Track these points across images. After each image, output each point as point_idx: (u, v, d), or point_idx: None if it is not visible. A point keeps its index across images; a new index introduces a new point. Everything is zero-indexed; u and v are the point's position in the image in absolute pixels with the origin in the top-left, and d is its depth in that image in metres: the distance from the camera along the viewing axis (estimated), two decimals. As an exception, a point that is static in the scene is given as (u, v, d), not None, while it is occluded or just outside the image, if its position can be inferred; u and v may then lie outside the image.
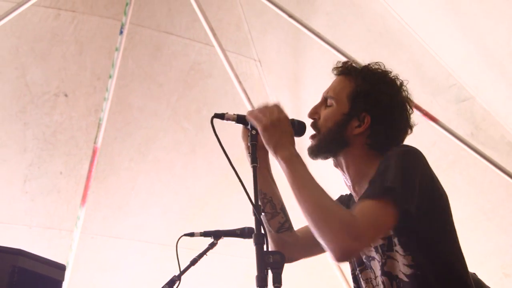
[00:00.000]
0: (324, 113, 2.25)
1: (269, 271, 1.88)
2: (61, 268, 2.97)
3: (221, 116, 2.21)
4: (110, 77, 5.70)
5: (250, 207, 2.00)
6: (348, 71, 2.29)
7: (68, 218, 5.92)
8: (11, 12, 5.05)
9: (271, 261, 1.88)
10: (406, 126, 2.24)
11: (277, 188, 2.36)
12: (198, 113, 6.13)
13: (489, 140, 4.78)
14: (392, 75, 2.27)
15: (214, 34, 5.50)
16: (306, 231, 2.23)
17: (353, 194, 2.28)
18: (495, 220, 5.03)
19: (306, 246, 2.34)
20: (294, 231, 2.36)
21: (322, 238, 1.93)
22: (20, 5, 5.07)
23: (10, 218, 5.76)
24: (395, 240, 2.03)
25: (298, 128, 2.25)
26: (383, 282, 2.07)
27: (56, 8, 5.44)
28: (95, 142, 5.82)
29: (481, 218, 5.05)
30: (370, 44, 5.03)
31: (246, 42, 6.09)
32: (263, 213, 2.27)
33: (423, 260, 2.00)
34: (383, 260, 2.07)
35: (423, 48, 4.75)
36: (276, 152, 2.11)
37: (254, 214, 1.98)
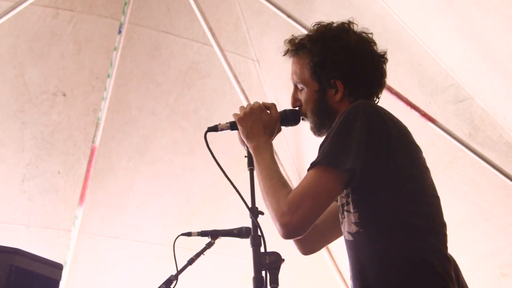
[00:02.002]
0: (302, 98, 2.27)
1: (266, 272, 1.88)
2: (58, 268, 2.97)
3: (214, 129, 2.25)
4: (108, 76, 5.69)
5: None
6: (296, 51, 2.28)
7: (66, 217, 5.91)
8: (9, 11, 5.05)
9: (268, 262, 1.89)
10: (376, 62, 2.22)
11: None
12: (196, 113, 6.13)
13: (487, 141, 4.78)
14: (334, 24, 2.26)
15: (213, 34, 5.50)
16: (320, 219, 2.23)
17: None
18: (492, 220, 5.03)
19: (323, 234, 2.35)
20: None
21: (271, 217, 1.98)
22: (18, 4, 5.06)
23: (7, 217, 5.75)
24: (350, 198, 2.03)
25: (291, 116, 2.29)
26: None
27: (54, 7, 5.44)
28: (93, 142, 5.81)
29: (479, 218, 5.06)
30: (369, 44, 5.03)
31: (245, 42, 6.09)
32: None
33: (367, 216, 1.97)
34: (341, 219, 2.10)
35: (421, 49, 4.75)
36: (248, 144, 2.19)
37: (251, 216, 1.99)
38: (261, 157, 2.13)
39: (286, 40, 2.32)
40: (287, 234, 1.95)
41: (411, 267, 1.89)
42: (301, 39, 2.27)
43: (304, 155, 6.21)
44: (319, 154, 1.97)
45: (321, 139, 2.09)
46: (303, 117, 2.28)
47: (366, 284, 1.94)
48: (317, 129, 2.25)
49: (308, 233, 2.16)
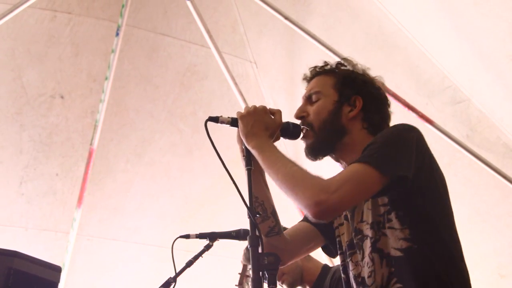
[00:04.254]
0: (313, 108, 2.27)
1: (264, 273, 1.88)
2: (57, 270, 2.97)
3: (215, 119, 2.21)
4: (106, 78, 5.70)
5: (246, 209, 2.01)
6: (322, 71, 2.33)
7: (64, 220, 5.92)
8: (7, 14, 5.05)
9: (266, 263, 1.89)
10: (389, 112, 2.30)
11: (269, 193, 2.34)
12: (194, 115, 6.13)
13: (485, 142, 4.79)
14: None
15: (210, 36, 5.50)
16: (294, 233, 2.24)
17: None
18: (490, 222, 5.04)
19: (294, 249, 2.35)
20: (284, 235, 2.35)
21: (297, 198, 1.97)
22: (16, 7, 5.07)
23: (6, 220, 5.75)
24: (392, 215, 2.03)
25: (293, 129, 2.26)
26: (372, 260, 2.07)
27: (52, 10, 5.44)
28: (91, 144, 5.82)
29: (476, 220, 5.06)
30: (366, 46, 5.04)
31: (242, 44, 6.10)
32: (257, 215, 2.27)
33: (421, 233, 2.00)
34: (377, 237, 2.07)
35: (418, 50, 4.76)
36: (247, 141, 2.16)
37: (249, 217, 1.99)
38: (269, 152, 2.12)
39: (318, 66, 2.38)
40: (321, 212, 1.93)
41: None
42: (331, 65, 2.35)
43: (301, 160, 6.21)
44: (368, 155, 1.98)
45: None
46: (306, 128, 2.26)
47: None
48: (316, 147, 2.24)
49: (282, 247, 2.24)
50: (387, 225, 2.04)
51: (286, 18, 5.20)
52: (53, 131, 5.76)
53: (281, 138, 2.27)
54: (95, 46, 5.74)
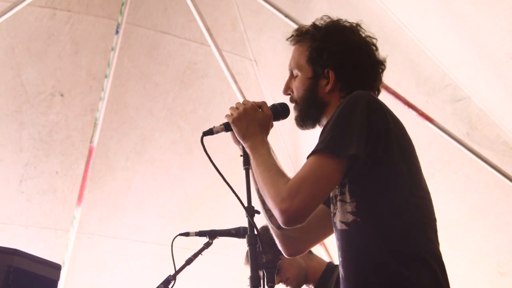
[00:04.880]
0: (294, 85, 2.28)
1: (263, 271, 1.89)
2: (57, 268, 2.97)
3: (210, 132, 2.25)
4: (106, 76, 5.70)
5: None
6: (300, 37, 2.30)
7: (64, 218, 5.92)
8: (6, 12, 5.05)
9: (264, 261, 1.89)
10: (373, 64, 2.24)
11: None
12: (194, 113, 6.13)
13: (485, 140, 4.79)
14: (342, 21, 2.28)
15: (210, 34, 5.50)
16: (308, 221, 2.23)
17: None
18: (490, 219, 5.04)
19: (310, 236, 2.33)
20: None
21: (270, 207, 1.98)
22: (15, 4, 5.06)
23: (6, 218, 5.76)
24: (346, 188, 2.02)
25: (282, 110, 2.31)
26: (335, 234, 2.08)
27: (51, 7, 5.44)
28: (91, 142, 5.82)
29: (476, 218, 5.07)
30: (366, 44, 5.03)
31: (242, 42, 6.09)
32: (264, 211, 2.27)
33: (366, 206, 1.96)
34: (334, 211, 2.08)
35: (419, 48, 4.76)
36: (244, 144, 2.19)
37: (247, 216, 2.00)
38: (259, 153, 2.13)
39: (294, 29, 2.34)
40: (287, 221, 1.93)
41: (410, 259, 1.89)
42: (307, 27, 2.30)
43: (301, 155, 6.21)
44: (320, 142, 1.96)
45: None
46: (294, 105, 2.27)
47: (361, 272, 1.93)
48: (301, 119, 2.25)
49: (296, 236, 2.22)
50: (338, 197, 2.04)
51: (286, 16, 5.20)
52: (53, 129, 5.76)
53: (274, 122, 2.30)
54: (95, 44, 5.73)
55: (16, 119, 5.61)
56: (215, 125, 2.26)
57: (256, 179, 2.11)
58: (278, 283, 3.59)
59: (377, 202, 1.96)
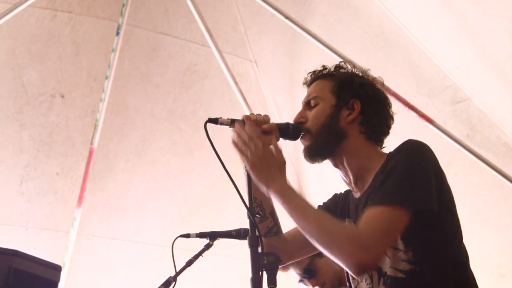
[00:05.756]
0: (311, 113, 2.26)
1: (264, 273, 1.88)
2: (57, 269, 2.97)
3: (214, 121, 2.18)
4: (106, 78, 5.70)
5: (246, 209, 2.01)
6: (321, 75, 2.33)
7: (65, 219, 5.92)
8: (7, 13, 5.05)
9: (266, 262, 1.89)
10: (391, 115, 2.28)
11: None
12: (194, 114, 6.13)
13: (485, 142, 4.79)
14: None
15: (211, 35, 5.51)
16: (295, 234, 2.23)
17: (354, 189, 2.26)
18: (491, 221, 5.04)
19: (294, 250, 2.35)
20: (283, 235, 2.36)
21: (336, 259, 1.95)
22: (16, 6, 5.06)
23: (6, 219, 5.76)
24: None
25: (293, 131, 2.25)
26: (370, 276, 2.07)
27: (52, 9, 5.44)
28: (91, 143, 5.82)
29: (476, 219, 5.06)
30: (366, 46, 5.04)
31: (242, 43, 6.09)
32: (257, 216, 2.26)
33: (424, 256, 1.99)
34: None
35: (419, 49, 4.76)
36: (268, 187, 2.09)
37: (249, 217, 1.99)
38: (295, 200, 2.06)
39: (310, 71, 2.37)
40: (362, 271, 2.00)
41: None
42: (329, 69, 2.34)
43: (301, 155, 6.20)
44: (387, 194, 1.97)
45: None
46: (304, 133, 2.24)
47: None
48: (313, 149, 2.22)
49: (280, 247, 2.26)
50: None
51: (287, 17, 5.20)
52: (53, 130, 5.76)
53: (281, 138, 2.25)
54: (96, 45, 5.74)
55: (17, 120, 5.62)
56: (222, 117, 2.20)
57: (304, 227, 2.03)
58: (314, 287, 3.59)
59: (436, 252, 2.00)
